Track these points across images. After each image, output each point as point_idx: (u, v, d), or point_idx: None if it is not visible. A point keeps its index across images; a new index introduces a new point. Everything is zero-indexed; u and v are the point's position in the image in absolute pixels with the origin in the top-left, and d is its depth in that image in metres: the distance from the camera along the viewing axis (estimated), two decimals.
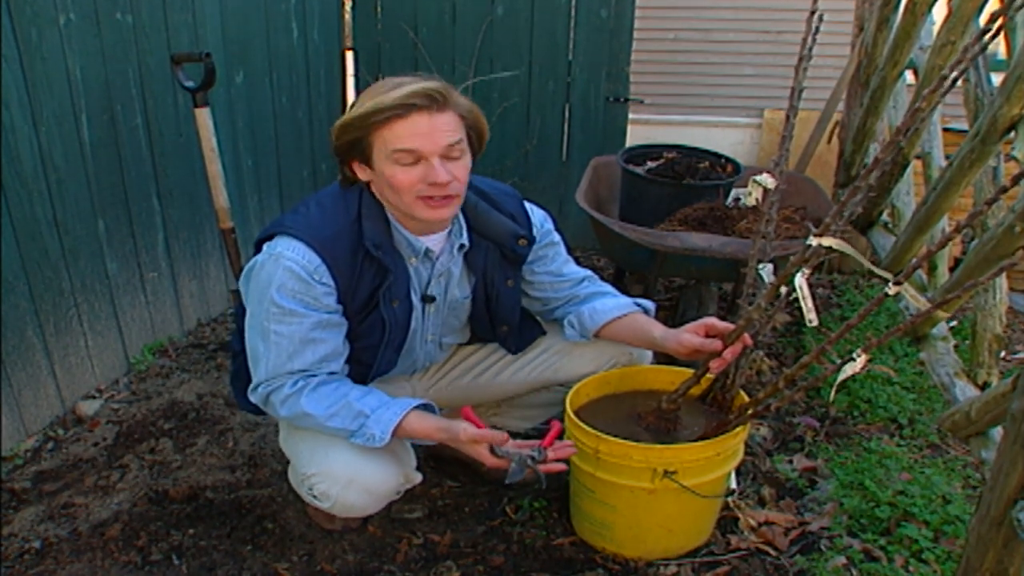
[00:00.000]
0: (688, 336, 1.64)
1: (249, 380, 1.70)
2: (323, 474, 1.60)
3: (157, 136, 2.71)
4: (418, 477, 1.72)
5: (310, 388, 1.56)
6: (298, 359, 1.55)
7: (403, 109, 1.43)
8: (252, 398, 1.63)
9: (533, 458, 1.54)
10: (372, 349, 1.62)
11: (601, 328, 1.79)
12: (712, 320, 1.66)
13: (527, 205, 1.78)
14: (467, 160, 1.52)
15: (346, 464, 1.59)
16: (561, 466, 1.55)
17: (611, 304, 1.81)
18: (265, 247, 1.56)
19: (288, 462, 2.19)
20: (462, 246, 1.67)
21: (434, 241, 1.64)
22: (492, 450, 1.54)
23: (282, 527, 1.96)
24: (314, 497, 1.64)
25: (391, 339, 1.63)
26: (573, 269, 1.87)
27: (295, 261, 1.49)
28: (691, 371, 1.95)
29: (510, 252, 1.71)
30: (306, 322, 1.52)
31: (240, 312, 1.68)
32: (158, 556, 1.86)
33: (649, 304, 1.83)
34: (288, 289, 1.50)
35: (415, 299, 1.66)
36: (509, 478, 1.54)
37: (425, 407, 1.61)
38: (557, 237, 1.84)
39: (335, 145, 1.53)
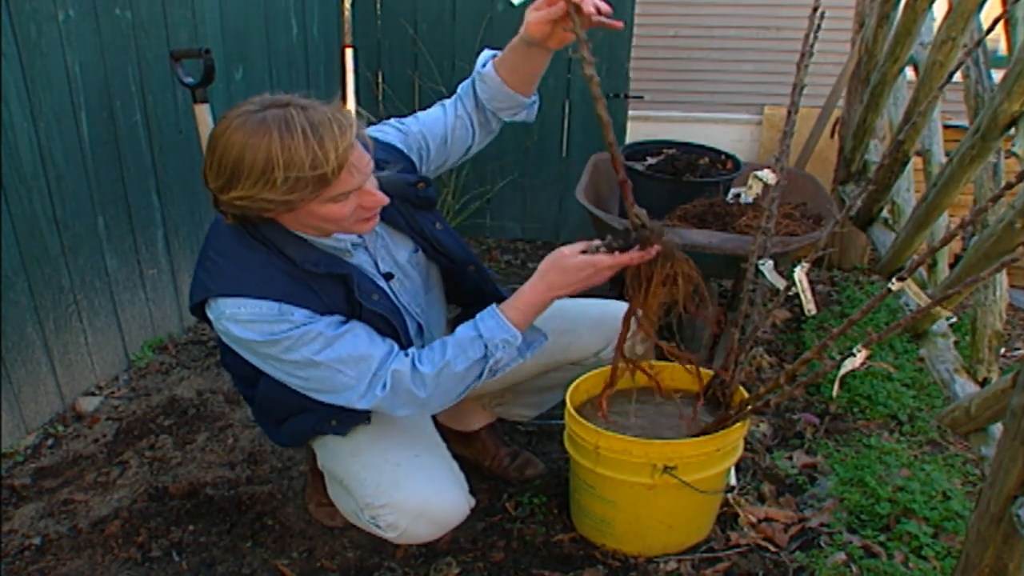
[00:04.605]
0: (533, 13, 1.50)
1: (275, 412, 1.66)
2: (393, 506, 1.55)
3: (156, 132, 2.71)
4: (473, 502, 1.68)
5: (415, 358, 1.50)
6: (356, 352, 1.46)
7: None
8: (365, 405, 1.50)
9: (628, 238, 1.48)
10: (397, 343, 1.57)
11: (510, 86, 1.66)
12: None
13: (376, 136, 1.65)
14: None
15: (419, 496, 1.55)
16: (658, 247, 1.46)
17: (464, 88, 1.73)
18: (210, 315, 1.46)
19: (290, 460, 2.21)
20: None
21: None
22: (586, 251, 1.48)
23: (282, 523, 1.96)
24: (377, 527, 1.58)
25: (402, 326, 1.56)
26: (430, 113, 1.75)
27: (255, 315, 1.40)
28: (691, 368, 1.96)
29: (417, 199, 1.65)
30: (321, 327, 1.43)
31: (230, 363, 1.61)
32: (158, 552, 1.87)
33: (476, 72, 1.72)
34: (274, 330, 1.41)
35: (381, 283, 1.61)
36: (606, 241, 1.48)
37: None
38: (401, 126, 1.72)
39: (240, 210, 1.37)
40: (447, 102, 1.77)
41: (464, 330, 1.53)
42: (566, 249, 1.49)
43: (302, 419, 1.65)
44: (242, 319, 1.41)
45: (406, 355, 1.52)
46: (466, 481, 1.67)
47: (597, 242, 1.50)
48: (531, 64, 1.63)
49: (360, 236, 1.59)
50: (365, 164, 1.39)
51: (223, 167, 1.31)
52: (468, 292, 1.81)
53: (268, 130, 1.28)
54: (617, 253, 1.47)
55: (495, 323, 1.51)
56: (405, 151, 1.69)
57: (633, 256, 1.46)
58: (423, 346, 1.76)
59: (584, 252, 1.48)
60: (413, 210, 1.66)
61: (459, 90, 1.76)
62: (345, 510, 1.72)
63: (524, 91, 1.70)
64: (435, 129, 1.74)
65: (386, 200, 1.45)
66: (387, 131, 1.71)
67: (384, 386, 1.48)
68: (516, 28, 1.57)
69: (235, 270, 1.43)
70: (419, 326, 1.71)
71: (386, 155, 1.64)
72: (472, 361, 1.51)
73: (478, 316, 1.55)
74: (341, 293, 1.49)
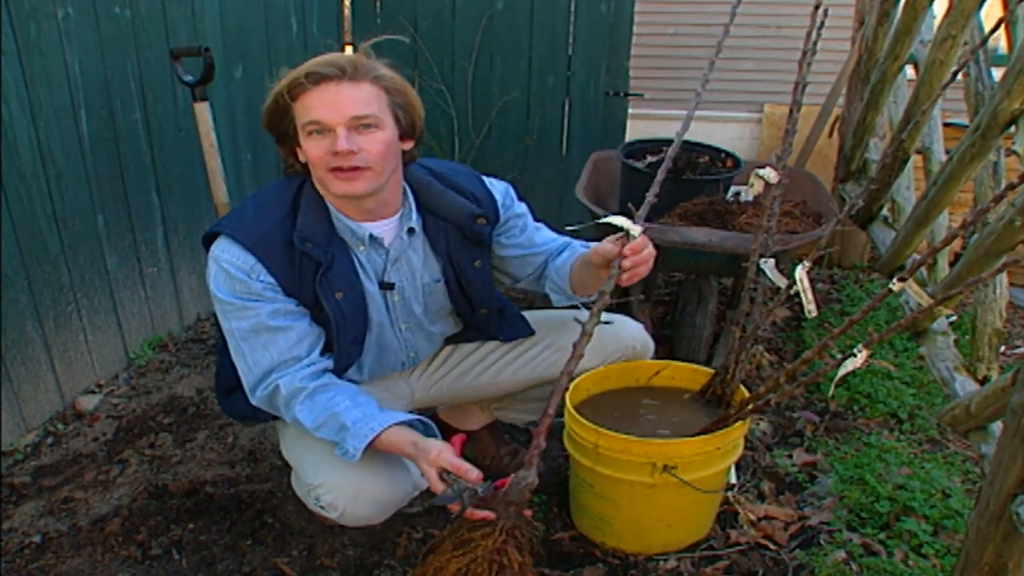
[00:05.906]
0: (603, 244, 1.59)
1: (227, 380, 1.69)
2: (330, 485, 1.57)
3: (156, 131, 2.71)
4: (424, 484, 1.69)
5: (306, 395, 1.54)
6: (272, 348, 1.53)
7: (310, 79, 1.43)
8: (254, 402, 1.60)
9: (474, 493, 1.44)
10: (330, 344, 1.60)
11: (571, 285, 1.74)
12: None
13: (487, 181, 1.74)
14: (386, 135, 1.47)
15: (354, 475, 1.56)
16: (488, 515, 1.46)
17: (562, 258, 1.78)
18: (210, 249, 1.56)
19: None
20: (411, 229, 1.63)
21: (384, 227, 1.60)
22: (441, 476, 1.46)
23: (282, 522, 1.96)
24: (321, 508, 1.61)
25: (342, 331, 1.59)
26: (547, 237, 1.83)
27: (230, 262, 1.50)
28: (693, 367, 1.96)
29: (470, 232, 1.68)
30: (261, 312, 1.51)
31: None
32: (158, 551, 1.87)
33: (580, 246, 1.78)
34: (230, 287, 1.51)
35: (371, 287, 1.63)
36: (437, 500, 1.46)
37: (422, 423, 1.58)
38: (522, 208, 1.80)
39: (271, 133, 1.55)
40: (561, 243, 1.83)
41: (349, 411, 1.52)
42: (435, 452, 1.46)
43: (241, 394, 1.66)
44: (221, 260, 1.51)
45: (305, 382, 1.55)
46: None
47: (466, 470, 1.44)
48: (587, 275, 1.68)
49: (385, 234, 1.61)
50: (347, 109, 1.43)
51: None
52: (473, 326, 1.87)
53: None
54: (448, 495, 1.44)
55: (361, 434, 1.49)
56: (499, 204, 1.74)
57: (454, 508, 1.44)
58: (404, 364, 1.82)
59: (444, 472, 1.45)
60: (461, 239, 1.69)
61: (556, 245, 1.82)
62: (300, 495, 1.74)
63: (577, 292, 1.76)
64: (531, 236, 1.81)
65: (348, 148, 1.43)
66: (503, 187, 1.77)
67: (264, 388, 1.56)
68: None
69: (252, 216, 1.54)
70: (393, 343, 1.75)
71: (478, 193, 1.70)
72: (329, 438, 1.54)
73: (377, 414, 1.53)
74: (311, 279, 1.54)
